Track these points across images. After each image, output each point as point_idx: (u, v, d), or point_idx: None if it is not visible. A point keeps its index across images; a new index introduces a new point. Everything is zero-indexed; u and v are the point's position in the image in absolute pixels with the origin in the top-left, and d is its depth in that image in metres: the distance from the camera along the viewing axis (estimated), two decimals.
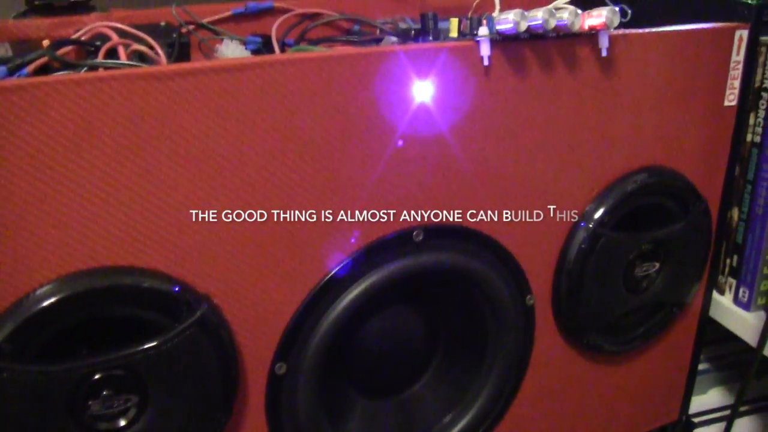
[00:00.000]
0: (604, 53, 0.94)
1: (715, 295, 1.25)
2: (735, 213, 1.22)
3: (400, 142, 0.84)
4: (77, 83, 0.69)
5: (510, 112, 0.90)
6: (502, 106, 0.90)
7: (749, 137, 1.19)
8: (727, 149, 1.12)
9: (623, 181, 1.02)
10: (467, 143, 0.89)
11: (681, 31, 1.01)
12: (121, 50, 0.86)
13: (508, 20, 0.84)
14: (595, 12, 0.91)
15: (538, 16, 0.86)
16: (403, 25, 1.10)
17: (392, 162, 0.85)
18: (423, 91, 0.84)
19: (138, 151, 0.72)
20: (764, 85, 1.16)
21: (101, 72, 0.73)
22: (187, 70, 0.73)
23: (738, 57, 1.07)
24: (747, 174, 1.21)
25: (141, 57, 0.88)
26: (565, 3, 1.00)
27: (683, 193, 1.08)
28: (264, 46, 1.05)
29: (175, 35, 0.98)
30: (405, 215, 0.88)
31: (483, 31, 0.85)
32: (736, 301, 1.23)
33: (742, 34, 1.06)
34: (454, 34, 0.90)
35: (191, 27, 1.05)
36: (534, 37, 0.89)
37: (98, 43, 0.91)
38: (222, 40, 1.05)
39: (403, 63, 0.82)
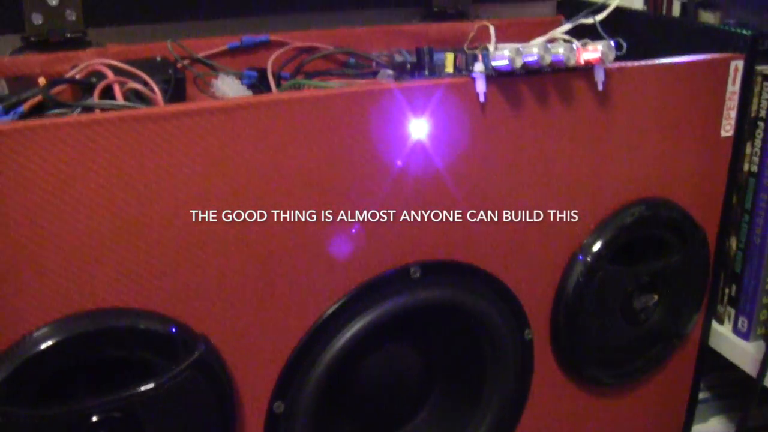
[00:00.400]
0: (599, 87, 0.94)
1: (714, 324, 1.24)
2: (733, 242, 1.22)
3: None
4: (72, 126, 0.68)
5: (506, 147, 0.90)
6: (499, 141, 0.89)
7: (746, 166, 1.19)
8: (724, 179, 1.12)
9: (621, 213, 1.02)
10: (463, 178, 0.89)
11: (676, 63, 1.01)
12: (116, 89, 0.85)
13: (503, 56, 0.84)
14: (590, 46, 0.91)
15: (533, 51, 0.86)
16: (398, 58, 1.09)
17: (388, 199, 0.85)
18: (419, 127, 0.84)
19: (133, 192, 0.72)
20: (760, 115, 1.16)
21: (97, 114, 0.73)
22: (182, 111, 0.72)
23: (734, 87, 1.07)
24: (744, 203, 1.20)
25: (137, 94, 0.88)
26: (562, 33, 1.00)
27: (681, 225, 1.07)
28: (260, 81, 1.05)
29: (170, 71, 0.97)
30: (402, 252, 0.88)
31: (479, 67, 0.85)
32: (736, 330, 1.23)
33: (738, 65, 1.06)
34: (449, 69, 0.90)
35: (187, 62, 1.05)
36: (530, 72, 0.88)
37: (93, 79, 0.91)
38: (218, 74, 1.05)
39: (399, 100, 0.82)
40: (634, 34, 1.20)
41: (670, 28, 1.16)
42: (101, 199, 0.71)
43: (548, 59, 0.86)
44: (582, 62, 0.91)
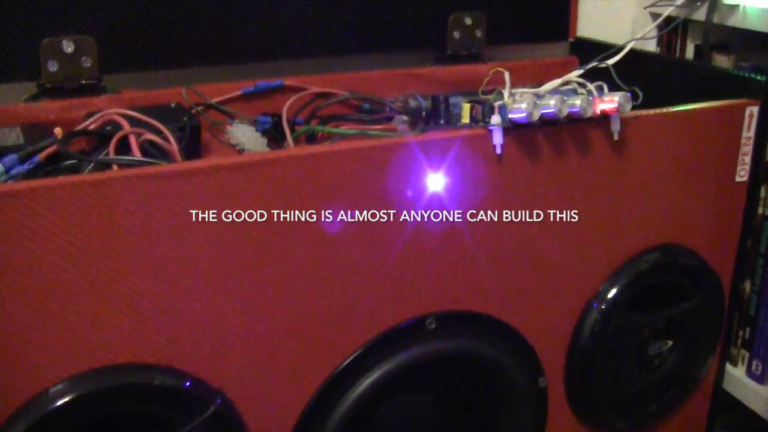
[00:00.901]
0: (615, 137, 0.94)
1: (728, 366, 1.23)
2: (747, 285, 1.21)
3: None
4: (90, 185, 0.69)
5: (522, 198, 0.90)
6: (515, 191, 0.89)
7: (761, 210, 1.18)
8: (739, 223, 1.11)
9: (636, 260, 1.02)
10: (479, 229, 0.89)
11: (692, 110, 1.01)
12: (132, 140, 0.85)
13: (520, 109, 0.84)
14: (607, 97, 0.91)
15: (550, 104, 0.85)
16: (413, 103, 1.10)
17: (405, 250, 0.84)
18: (436, 180, 0.84)
19: (148, 248, 0.72)
20: None
21: (114, 172, 0.73)
22: (199, 168, 0.73)
23: (749, 133, 1.07)
24: (759, 247, 1.20)
25: (152, 144, 0.88)
26: (576, 77, 1.00)
27: (696, 271, 1.07)
28: (274, 127, 1.05)
29: (185, 118, 0.97)
30: (418, 303, 0.87)
31: (495, 119, 0.85)
32: (750, 373, 1.22)
33: (753, 111, 1.06)
34: (466, 119, 0.90)
35: (201, 108, 1.05)
36: (546, 123, 0.88)
37: (108, 128, 0.91)
38: (233, 121, 1.05)
39: (416, 153, 0.82)
40: (649, 77, 1.20)
41: (685, 72, 1.16)
42: (118, 256, 0.71)
43: (565, 111, 0.86)
44: (598, 112, 0.90)
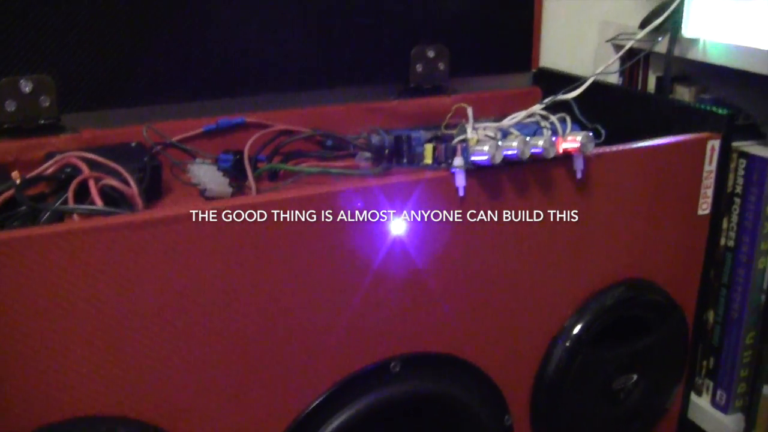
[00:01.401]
0: (579, 175, 0.93)
1: (693, 396, 1.24)
2: (711, 315, 1.22)
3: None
4: (48, 237, 0.67)
5: (485, 238, 0.90)
6: (478, 232, 0.89)
7: (723, 241, 1.19)
8: (701, 255, 1.12)
9: (601, 296, 1.02)
10: (443, 271, 0.88)
11: (654, 146, 1.01)
12: (92, 186, 0.84)
13: (483, 152, 0.84)
14: (570, 136, 0.91)
15: (513, 146, 0.85)
16: (375, 140, 1.09)
17: (367, 294, 0.84)
18: (398, 224, 0.83)
19: (112, 299, 0.71)
20: (736, 191, 1.16)
21: (72, 223, 0.72)
22: (158, 219, 0.72)
23: (710, 167, 1.07)
24: (722, 278, 1.21)
25: (112, 188, 0.87)
26: (541, 110, 1.00)
27: (660, 305, 1.07)
28: (236, 164, 1.04)
29: (146, 158, 0.96)
30: (382, 346, 0.87)
31: (458, 162, 0.85)
32: (714, 403, 1.23)
33: (714, 145, 1.07)
34: (428, 160, 0.90)
35: (162, 147, 1.04)
36: (509, 163, 0.88)
37: (68, 170, 0.90)
38: (194, 160, 1.04)
39: (379, 197, 0.81)
40: (611, 109, 1.21)
41: (647, 105, 1.17)
42: (81, 308, 0.70)
43: (527, 153, 0.86)
44: (561, 151, 0.90)
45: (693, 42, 1.19)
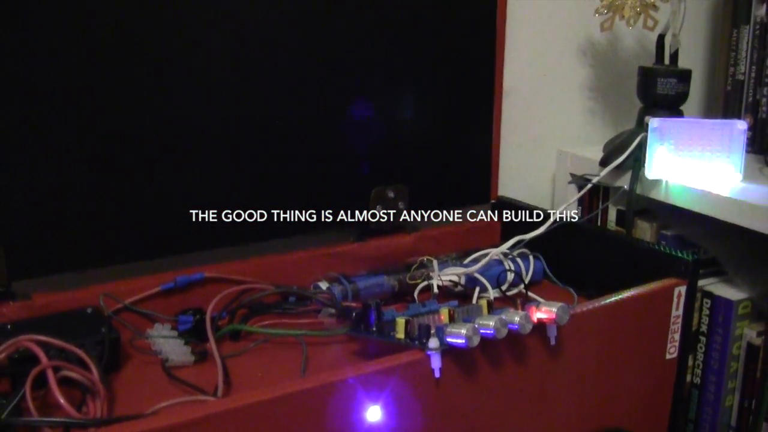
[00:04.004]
0: (552, 342, 0.92)
1: None
2: None
3: None
4: None
5: (461, 413, 0.88)
6: (453, 409, 0.87)
7: (689, 378, 1.18)
8: (670, 397, 1.10)
9: None
10: None
11: (623, 298, 1.00)
12: (50, 377, 0.80)
13: (460, 335, 0.81)
14: (544, 308, 0.89)
15: (489, 325, 0.83)
16: (337, 291, 1.07)
17: None
18: (373, 412, 0.80)
19: None
20: (701, 329, 1.16)
21: None
22: None
23: (678, 311, 1.07)
24: (688, 413, 1.20)
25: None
26: (518, 242, 0.99)
27: None
28: (196, 326, 1.00)
29: (104, 329, 0.92)
30: None
31: (433, 344, 0.82)
32: None
33: (681, 290, 1.06)
34: (401, 336, 0.87)
35: (119, 311, 1.00)
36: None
37: (22, 349, 0.85)
38: (153, 326, 1.00)
39: (355, 389, 0.78)
40: (574, 246, 1.20)
41: (611, 245, 1.16)
42: None
43: (504, 333, 0.84)
44: (535, 320, 0.89)
45: (655, 182, 1.19)
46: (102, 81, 0.99)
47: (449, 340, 0.83)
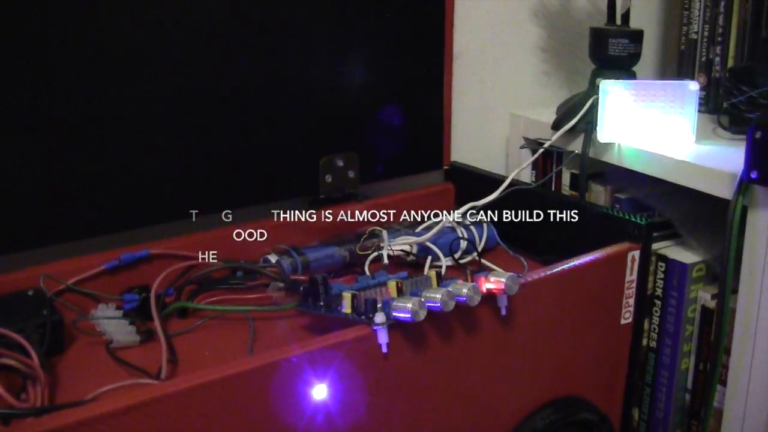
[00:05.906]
0: (503, 312, 0.91)
1: None
2: (636, 413, 1.21)
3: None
4: None
5: (411, 389, 0.87)
6: (403, 384, 0.86)
7: (645, 341, 1.18)
8: (626, 362, 1.10)
9: (530, 419, 0.99)
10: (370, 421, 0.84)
11: (576, 265, 0.99)
12: None
13: (406, 309, 0.80)
14: (493, 278, 0.88)
15: (437, 298, 0.82)
16: (286, 264, 1.05)
17: None
18: (320, 390, 0.79)
19: None
20: (656, 293, 1.15)
21: None
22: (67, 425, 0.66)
23: (632, 276, 1.06)
24: (645, 377, 1.20)
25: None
26: (471, 210, 0.98)
27: (589, 421, 1.05)
28: (142, 305, 0.98)
29: (45, 311, 0.90)
30: None
31: (380, 318, 0.81)
32: None
33: (635, 255, 1.05)
34: (348, 310, 0.85)
35: (62, 291, 0.98)
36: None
37: None
38: (97, 306, 0.98)
39: (300, 367, 0.77)
40: (527, 209, 1.19)
41: (565, 208, 1.14)
42: None
43: (452, 306, 0.83)
44: (484, 290, 0.87)
45: (608, 146, 1.18)
46: (41, 58, 0.96)
47: (396, 314, 0.81)
